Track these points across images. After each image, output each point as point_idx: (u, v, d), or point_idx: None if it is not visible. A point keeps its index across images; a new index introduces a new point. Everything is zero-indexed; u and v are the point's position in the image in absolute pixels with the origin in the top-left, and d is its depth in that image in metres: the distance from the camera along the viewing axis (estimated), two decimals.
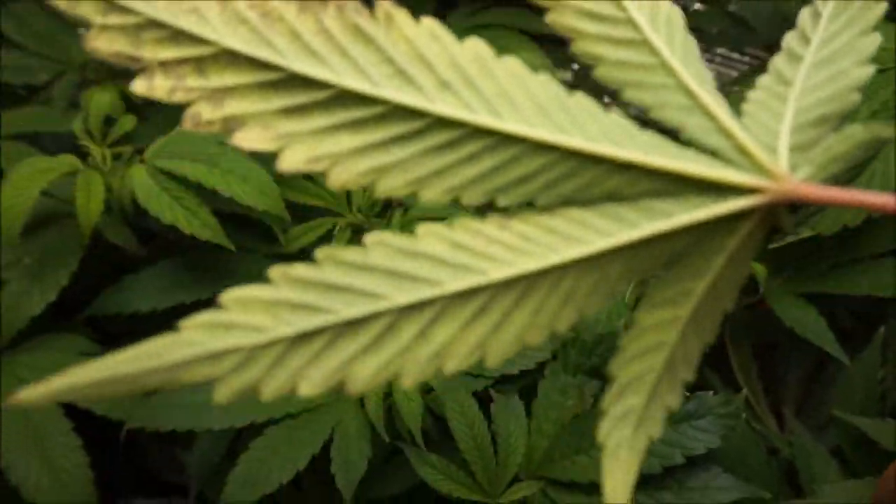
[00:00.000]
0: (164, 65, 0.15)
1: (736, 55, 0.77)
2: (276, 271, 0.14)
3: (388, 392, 0.41)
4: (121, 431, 0.43)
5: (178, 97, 0.15)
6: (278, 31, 0.15)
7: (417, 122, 0.15)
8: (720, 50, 0.74)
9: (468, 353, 0.14)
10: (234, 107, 0.15)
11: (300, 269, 0.14)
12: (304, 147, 0.15)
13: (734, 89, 0.63)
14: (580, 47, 0.17)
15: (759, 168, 0.15)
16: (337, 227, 0.48)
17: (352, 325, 0.14)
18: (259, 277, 0.44)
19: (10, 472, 0.39)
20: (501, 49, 0.48)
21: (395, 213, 0.51)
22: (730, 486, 0.36)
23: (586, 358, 0.41)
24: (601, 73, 0.17)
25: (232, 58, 0.15)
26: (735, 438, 0.41)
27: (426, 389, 0.43)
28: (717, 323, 0.16)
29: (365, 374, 0.14)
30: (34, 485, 0.39)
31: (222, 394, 0.14)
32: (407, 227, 0.48)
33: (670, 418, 0.36)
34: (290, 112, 0.15)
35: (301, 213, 0.48)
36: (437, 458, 0.39)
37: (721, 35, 0.70)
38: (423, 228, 0.15)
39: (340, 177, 0.15)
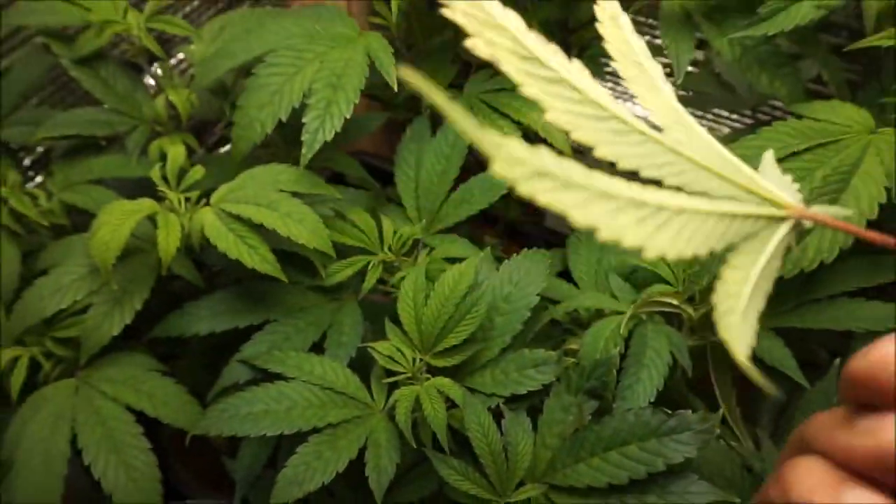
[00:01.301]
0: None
1: (725, 113, 0.85)
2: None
3: (415, 408, 0.48)
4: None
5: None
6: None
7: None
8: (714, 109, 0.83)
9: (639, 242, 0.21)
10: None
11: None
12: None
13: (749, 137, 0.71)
14: None
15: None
16: (371, 264, 0.56)
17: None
18: (302, 307, 0.54)
19: (92, 468, 0.46)
20: (512, 109, 0.58)
21: (422, 252, 0.58)
22: (705, 492, 0.43)
23: (585, 380, 0.48)
24: None
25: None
26: (712, 453, 0.48)
27: (448, 406, 0.50)
28: (765, 296, 0.24)
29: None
30: (112, 479, 0.46)
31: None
32: (431, 266, 0.55)
33: (655, 432, 0.43)
34: None
35: (339, 251, 0.56)
36: (457, 461, 0.46)
37: (713, 96, 0.78)
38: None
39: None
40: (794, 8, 0.46)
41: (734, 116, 0.84)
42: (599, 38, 0.69)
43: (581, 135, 0.25)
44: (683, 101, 0.75)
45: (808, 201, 0.44)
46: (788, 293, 0.50)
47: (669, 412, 0.43)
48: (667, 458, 0.42)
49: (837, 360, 0.49)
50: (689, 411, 0.43)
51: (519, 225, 0.94)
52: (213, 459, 0.59)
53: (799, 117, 0.48)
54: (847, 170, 0.44)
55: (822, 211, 0.24)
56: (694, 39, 0.54)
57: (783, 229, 0.24)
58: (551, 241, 0.68)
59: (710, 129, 0.86)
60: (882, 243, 0.23)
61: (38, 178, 0.71)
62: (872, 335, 0.50)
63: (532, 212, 0.97)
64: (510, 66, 0.24)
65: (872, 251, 0.52)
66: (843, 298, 0.48)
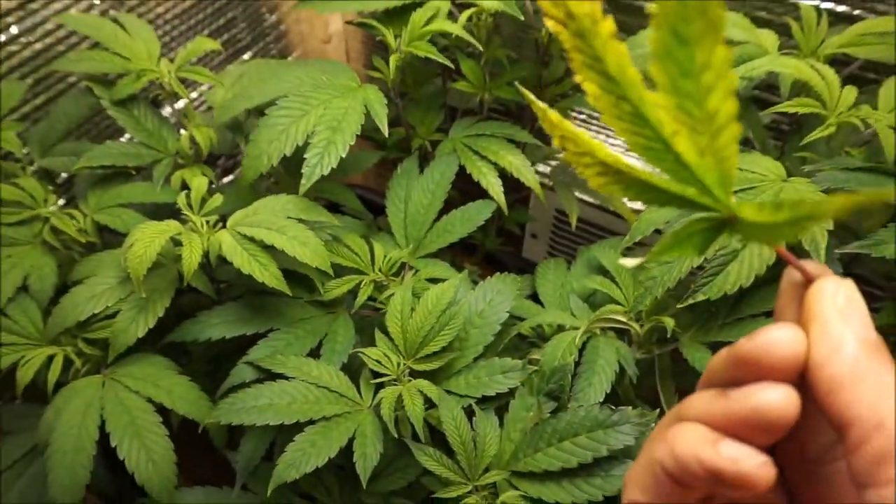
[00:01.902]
0: None
1: None
2: None
3: (398, 406, 0.56)
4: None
5: None
6: None
7: None
8: None
9: None
10: None
11: None
12: None
13: None
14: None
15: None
16: (363, 282, 0.64)
17: None
18: (301, 318, 0.63)
19: (118, 449, 0.53)
20: (489, 151, 0.68)
21: (408, 273, 0.67)
22: None
23: (545, 384, 0.56)
24: None
25: None
26: None
27: (427, 406, 0.57)
28: None
29: None
30: (134, 460, 0.53)
31: None
32: (416, 285, 0.63)
33: (601, 425, 0.51)
34: None
35: (335, 271, 0.64)
36: (433, 449, 0.53)
37: None
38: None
39: None
40: None
41: None
42: (566, 94, 0.79)
43: None
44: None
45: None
46: (719, 313, 0.59)
47: (613, 408, 0.51)
48: (610, 445, 0.50)
49: None
50: (630, 408, 0.51)
51: (497, 254, 1.03)
52: (210, 464, 0.66)
53: None
54: None
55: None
56: None
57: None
58: (525, 269, 0.76)
59: None
60: (790, 261, 0.25)
61: (61, 201, 0.80)
62: None
63: (508, 242, 1.06)
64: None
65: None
66: (762, 317, 0.57)
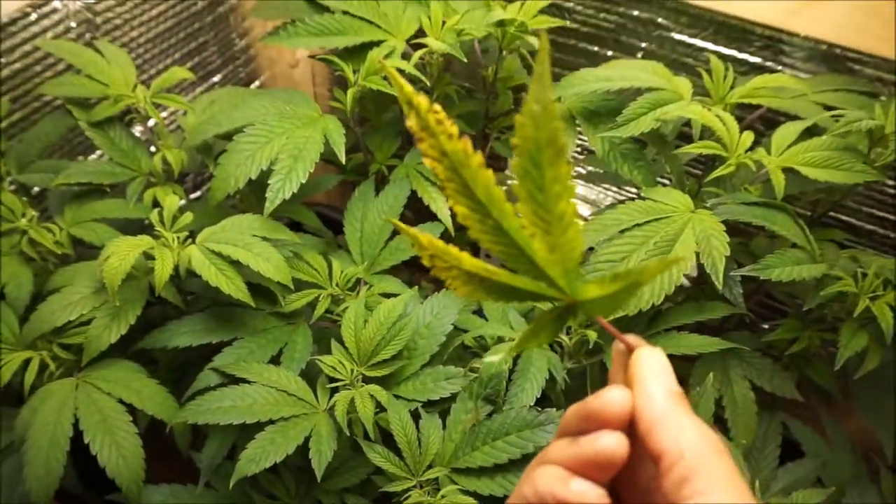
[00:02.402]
0: None
1: (615, 188, 1.04)
2: None
3: (351, 409, 0.61)
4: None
5: None
6: None
7: None
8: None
9: None
10: None
11: None
12: None
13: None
14: None
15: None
16: (321, 296, 0.70)
17: None
18: (264, 328, 0.70)
19: (91, 445, 0.57)
20: (434, 175, 0.74)
21: (363, 288, 0.73)
22: None
23: (483, 389, 0.62)
24: None
25: None
26: None
27: (376, 411, 0.63)
28: None
29: None
30: (106, 455, 0.57)
31: None
32: (370, 299, 0.69)
33: (529, 425, 0.58)
34: None
35: (296, 285, 0.70)
36: (381, 447, 0.59)
37: (604, 174, 0.96)
38: None
39: None
40: (641, 119, 0.64)
41: (623, 189, 1.03)
42: (512, 126, 0.87)
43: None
44: (582, 177, 0.96)
45: (645, 259, 0.61)
46: (639, 326, 0.67)
47: (539, 410, 0.58)
48: (537, 443, 0.57)
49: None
50: (555, 409, 0.58)
51: None
52: (175, 468, 0.70)
53: (644, 199, 0.65)
54: (672, 238, 0.61)
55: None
56: (575, 134, 0.71)
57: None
58: None
59: (598, 198, 1.04)
60: (616, 336, 0.32)
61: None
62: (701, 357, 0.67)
63: None
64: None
65: (699, 298, 0.69)
66: (673, 332, 0.65)
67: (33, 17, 0.81)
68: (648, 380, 0.29)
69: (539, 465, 0.31)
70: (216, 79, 1.09)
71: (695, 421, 0.29)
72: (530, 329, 0.31)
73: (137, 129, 0.82)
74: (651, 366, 0.30)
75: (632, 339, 0.32)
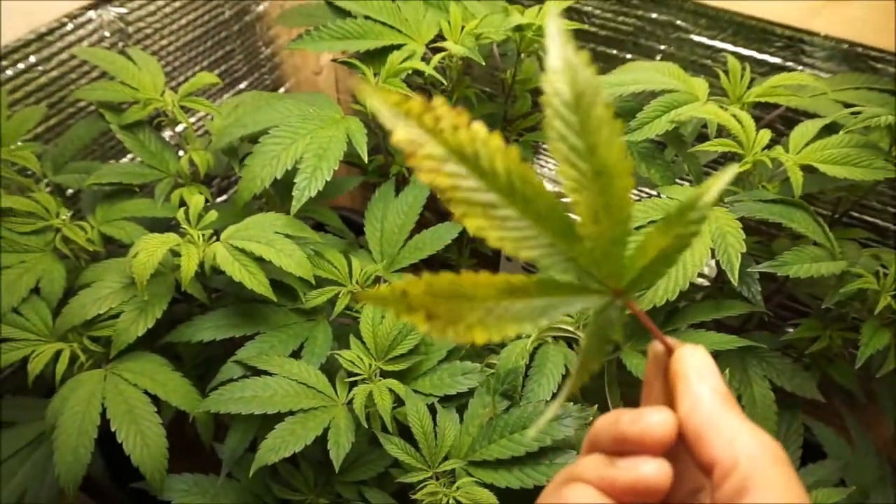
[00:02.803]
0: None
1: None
2: None
3: (369, 402, 0.62)
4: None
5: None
6: None
7: None
8: None
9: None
10: None
11: None
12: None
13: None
14: None
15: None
16: (341, 293, 0.71)
17: None
18: (285, 324, 0.72)
19: (117, 433, 0.59)
20: None
21: (383, 286, 0.74)
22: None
23: (500, 385, 0.63)
24: None
25: None
26: None
27: (394, 405, 0.64)
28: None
29: None
30: (131, 443, 0.59)
31: None
32: None
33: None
34: None
35: (317, 282, 0.71)
36: (399, 439, 0.60)
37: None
38: None
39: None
40: (655, 122, 0.65)
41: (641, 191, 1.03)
42: (533, 128, 0.89)
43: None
44: None
45: None
46: (656, 323, 0.67)
47: None
48: (553, 437, 0.57)
49: None
50: (571, 403, 0.59)
51: None
52: (198, 462, 0.72)
53: (661, 196, 0.66)
54: None
55: None
56: None
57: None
58: None
59: None
60: (656, 335, 0.29)
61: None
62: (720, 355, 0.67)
63: (486, 263, 1.14)
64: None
65: (717, 297, 0.69)
66: (690, 329, 0.65)
67: (69, 27, 0.84)
68: (693, 380, 0.26)
69: (570, 482, 0.28)
70: (242, 85, 1.12)
71: (748, 424, 0.26)
72: (586, 352, 0.26)
73: (168, 135, 0.85)
74: (695, 364, 0.27)
75: (671, 339, 0.29)
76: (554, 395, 0.63)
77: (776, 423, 0.69)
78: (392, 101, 0.24)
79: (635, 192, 1.01)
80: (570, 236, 0.25)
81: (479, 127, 0.24)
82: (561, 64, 0.24)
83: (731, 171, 0.25)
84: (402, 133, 0.24)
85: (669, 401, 0.28)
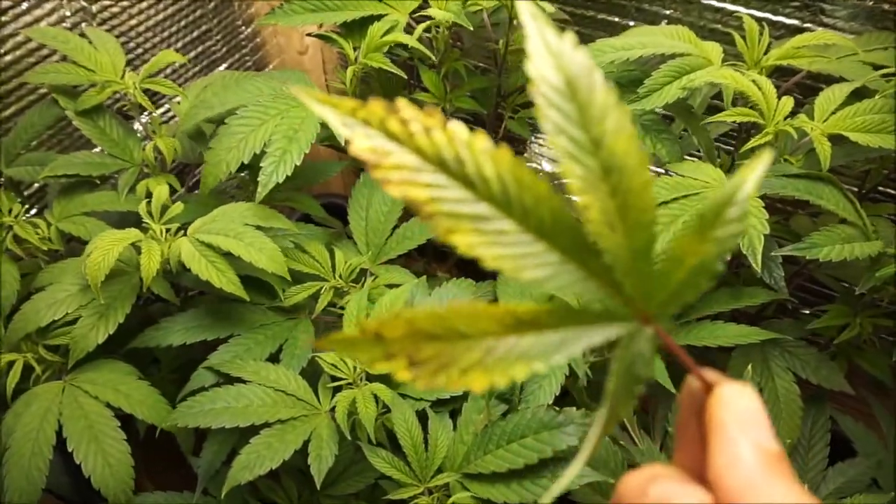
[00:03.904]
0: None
1: None
2: None
3: (353, 410, 0.57)
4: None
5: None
6: None
7: None
8: None
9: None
10: None
11: None
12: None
13: None
14: None
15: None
16: (323, 288, 0.65)
17: None
18: (262, 324, 0.64)
19: (75, 454, 0.54)
20: None
21: (368, 280, 0.68)
22: (587, 475, 0.52)
23: None
24: None
25: None
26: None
27: (381, 412, 0.58)
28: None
29: None
30: (91, 464, 0.54)
31: None
32: (374, 291, 0.65)
33: (546, 426, 0.52)
34: None
35: (297, 277, 0.65)
36: (385, 452, 0.54)
37: None
38: None
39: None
40: (666, 89, 0.58)
41: None
42: (529, 102, 0.81)
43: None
44: None
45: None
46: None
47: (558, 410, 0.53)
48: (555, 447, 0.51)
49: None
50: (574, 408, 0.53)
51: (470, 261, 1.04)
52: (176, 473, 0.66)
53: (670, 175, 0.59)
54: None
55: None
56: None
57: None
58: (499, 274, 0.77)
59: None
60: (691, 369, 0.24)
61: (33, 211, 0.81)
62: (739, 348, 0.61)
63: None
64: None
65: (734, 283, 0.63)
66: (706, 321, 0.59)
67: (24, 5, 0.77)
68: (734, 432, 0.22)
69: None
70: (222, 67, 1.06)
71: (795, 490, 0.21)
72: (615, 389, 0.21)
73: (140, 123, 0.79)
74: (738, 411, 0.22)
75: (710, 374, 0.23)
76: (561, 397, 0.57)
77: (801, 420, 0.63)
78: (345, 109, 0.20)
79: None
80: (584, 250, 0.21)
81: (457, 126, 0.21)
82: (542, 50, 0.21)
83: (767, 157, 0.19)
84: (363, 143, 0.20)
85: (706, 448, 0.22)
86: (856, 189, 0.70)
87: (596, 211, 0.21)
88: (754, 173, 0.20)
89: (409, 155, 0.21)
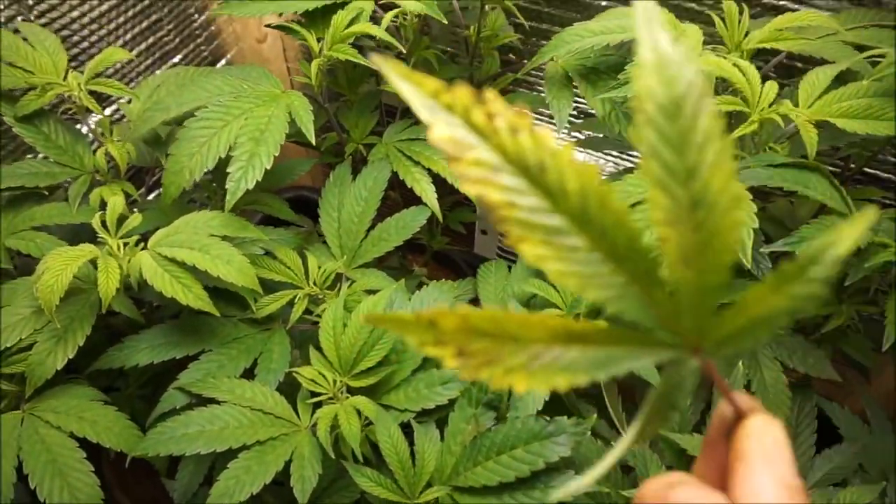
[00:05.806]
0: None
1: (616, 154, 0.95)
2: None
3: (335, 425, 0.54)
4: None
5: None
6: None
7: None
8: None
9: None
10: None
11: None
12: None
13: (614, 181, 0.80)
14: None
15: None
16: (297, 297, 0.62)
17: None
18: (235, 337, 0.60)
19: (38, 491, 0.50)
20: (423, 157, 0.66)
21: (343, 286, 0.65)
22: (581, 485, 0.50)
23: (484, 394, 0.55)
24: None
25: None
26: (591, 452, 0.56)
27: (365, 423, 0.56)
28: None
29: None
30: (56, 500, 0.50)
31: None
32: (350, 298, 0.62)
33: (537, 436, 0.51)
34: None
35: (269, 286, 0.62)
36: (370, 469, 0.52)
37: (606, 139, 0.87)
38: None
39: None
40: None
41: (628, 155, 0.94)
42: (506, 90, 0.78)
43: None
44: (580, 143, 0.85)
45: None
46: None
47: (548, 419, 0.51)
48: (546, 458, 0.50)
49: None
50: (566, 417, 0.51)
51: (448, 252, 1.02)
52: (151, 486, 0.63)
53: None
54: None
55: None
56: (572, 96, 0.63)
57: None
58: (476, 265, 0.74)
59: (599, 168, 0.96)
60: (725, 395, 0.24)
61: None
62: None
63: (460, 240, 1.05)
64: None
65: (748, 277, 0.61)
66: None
67: None
68: (758, 465, 0.22)
69: None
70: (176, 59, 1.00)
71: None
72: (649, 412, 0.22)
73: (88, 126, 0.74)
74: (765, 445, 0.23)
75: (744, 400, 0.24)
76: (547, 404, 0.55)
77: (788, 408, 0.63)
78: (429, 90, 0.20)
79: (625, 156, 0.92)
80: (651, 279, 0.21)
81: (545, 132, 0.20)
82: (653, 57, 0.20)
83: (871, 214, 0.17)
84: (444, 131, 0.20)
85: (729, 473, 0.23)
86: (839, 171, 0.69)
87: (674, 245, 0.20)
88: (853, 232, 0.18)
89: (491, 153, 0.20)
